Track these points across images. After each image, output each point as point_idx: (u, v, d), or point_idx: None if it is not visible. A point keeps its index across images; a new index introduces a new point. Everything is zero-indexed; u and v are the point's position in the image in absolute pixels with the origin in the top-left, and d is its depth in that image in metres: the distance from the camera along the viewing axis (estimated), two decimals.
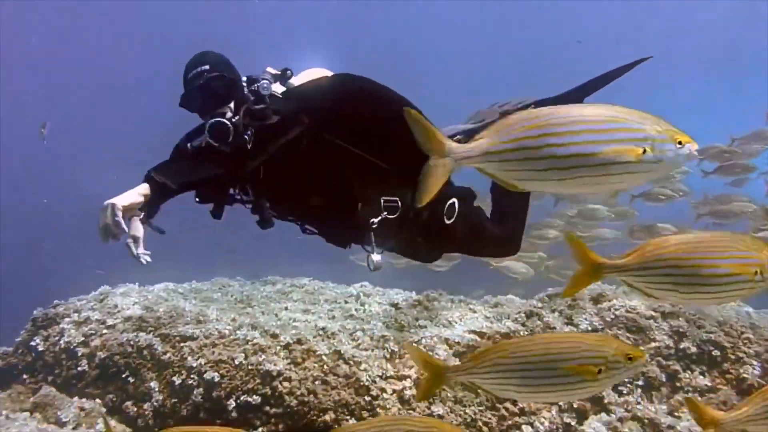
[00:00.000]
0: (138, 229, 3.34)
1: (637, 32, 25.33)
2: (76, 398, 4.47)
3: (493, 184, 4.37)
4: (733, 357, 4.90)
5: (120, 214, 2.92)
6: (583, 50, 21.60)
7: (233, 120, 3.31)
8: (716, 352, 4.91)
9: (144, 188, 3.09)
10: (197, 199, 3.56)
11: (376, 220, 3.56)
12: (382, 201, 3.60)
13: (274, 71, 3.59)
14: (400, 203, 3.62)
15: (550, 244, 8.80)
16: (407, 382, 4.85)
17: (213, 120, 3.29)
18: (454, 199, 3.81)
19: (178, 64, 3.47)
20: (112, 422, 4.41)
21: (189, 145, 3.40)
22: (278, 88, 3.57)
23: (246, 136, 3.29)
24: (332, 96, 3.53)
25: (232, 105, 3.38)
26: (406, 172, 3.58)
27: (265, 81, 3.47)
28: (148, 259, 3.21)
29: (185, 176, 3.24)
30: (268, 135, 3.35)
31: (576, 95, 4.38)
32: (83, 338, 5.25)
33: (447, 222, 3.78)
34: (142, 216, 3.43)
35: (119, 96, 25.71)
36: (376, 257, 3.66)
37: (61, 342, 5.28)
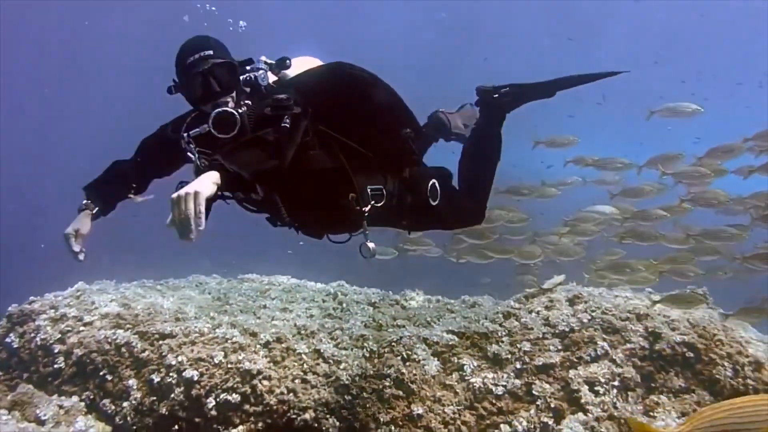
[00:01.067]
0: (86, 225, 3.38)
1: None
2: (54, 396, 4.43)
3: (461, 159, 4.48)
4: (706, 359, 4.99)
5: (203, 206, 2.73)
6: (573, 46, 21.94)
7: (239, 110, 3.28)
8: (690, 354, 5.00)
9: (215, 176, 2.93)
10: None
11: (366, 209, 3.59)
12: (369, 190, 3.64)
13: (269, 60, 3.57)
14: (384, 191, 3.66)
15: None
16: (387, 381, 4.87)
17: (220, 110, 3.23)
18: (434, 180, 3.90)
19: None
20: (90, 420, 4.37)
21: (186, 134, 3.30)
22: (271, 78, 3.57)
23: (285, 125, 3.21)
24: (328, 86, 3.54)
25: (234, 94, 3.33)
26: (387, 159, 3.66)
27: (261, 71, 3.47)
28: (81, 258, 3.25)
29: (254, 165, 3.14)
30: (294, 125, 3.27)
31: (550, 87, 4.55)
32: (60, 335, 5.20)
33: (433, 204, 3.88)
34: (95, 211, 3.47)
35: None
36: (370, 244, 3.70)
37: (37, 339, 5.22)
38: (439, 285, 7.41)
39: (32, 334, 5.29)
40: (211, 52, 3.32)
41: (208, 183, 2.84)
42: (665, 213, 6.84)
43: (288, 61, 3.59)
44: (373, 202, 3.61)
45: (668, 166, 7.03)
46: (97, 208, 3.52)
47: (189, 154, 3.38)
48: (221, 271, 7.74)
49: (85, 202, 3.52)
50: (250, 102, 3.37)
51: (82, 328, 5.22)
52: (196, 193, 2.71)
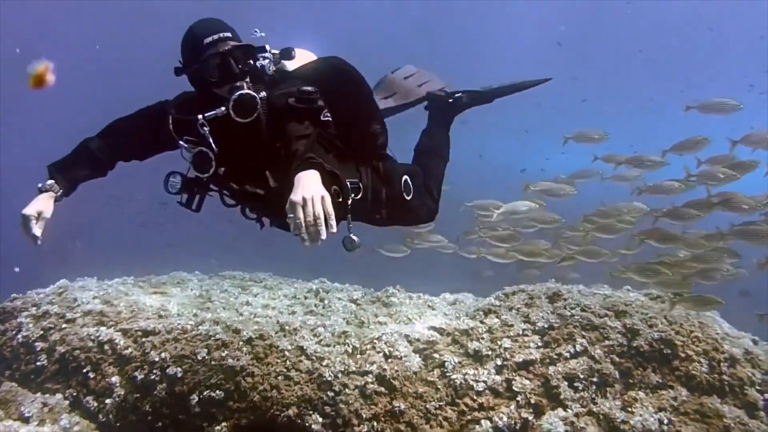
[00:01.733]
0: (49, 208, 3.32)
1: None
2: (38, 394, 4.43)
3: (415, 155, 4.58)
4: (682, 355, 5.08)
5: (331, 208, 2.73)
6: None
7: (260, 95, 3.30)
8: (667, 350, 5.08)
9: (318, 176, 2.88)
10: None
11: (349, 201, 3.64)
12: (348, 183, 3.68)
13: (274, 50, 3.58)
14: (360, 185, 3.72)
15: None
16: (369, 378, 4.92)
17: (242, 92, 3.24)
18: (406, 176, 4.02)
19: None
20: (75, 417, 4.38)
21: (201, 116, 3.29)
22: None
23: (327, 118, 3.32)
24: (327, 79, 3.58)
25: (248, 79, 3.34)
26: (362, 153, 3.72)
27: (267, 59, 3.49)
28: (39, 243, 3.20)
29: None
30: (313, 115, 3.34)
31: (489, 95, 4.74)
32: (42, 332, 5.19)
33: (407, 198, 4.00)
34: (58, 195, 3.42)
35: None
36: (354, 237, 3.73)
37: (19, 336, 5.20)
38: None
39: (14, 332, 5.27)
40: (229, 34, 3.34)
41: (319, 184, 2.81)
42: (698, 213, 6.65)
43: (293, 52, 3.61)
44: (352, 195, 3.67)
45: (694, 150, 7.04)
46: (61, 191, 3.43)
47: (177, 140, 3.41)
48: (202, 268, 7.74)
49: (49, 182, 3.41)
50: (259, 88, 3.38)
51: (64, 326, 5.21)
52: (322, 197, 2.70)
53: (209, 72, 3.29)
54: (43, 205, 3.32)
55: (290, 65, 3.72)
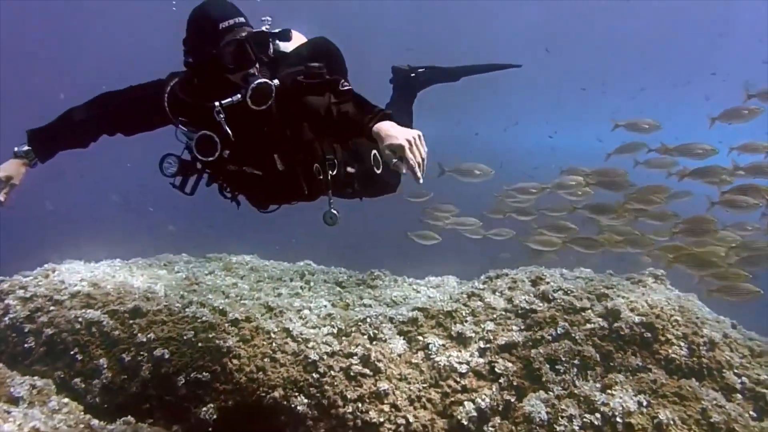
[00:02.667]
0: (20, 175, 3.33)
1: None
2: (27, 376, 4.45)
3: None
4: (662, 338, 5.15)
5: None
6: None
7: (274, 82, 3.36)
8: (647, 334, 5.15)
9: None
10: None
11: (329, 177, 3.74)
12: (326, 159, 3.77)
13: (273, 31, 3.61)
14: (335, 160, 3.79)
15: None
16: (354, 360, 4.98)
17: (260, 81, 3.30)
18: (374, 150, 4.11)
19: None
20: (63, 399, 4.41)
21: (219, 103, 3.34)
22: None
23: (346, 86, 3.36)
24: (323, 58, 3.70)
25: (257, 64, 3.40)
26: (337, 130, 3.78)
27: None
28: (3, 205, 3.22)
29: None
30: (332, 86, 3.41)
31: (458, 73, 4.85)
32: (29, 315, 5.20)
33: (377, 171, 4.13)
34: (33, 163, 3.42)
35: None
36: (335, 211, 3.84)
37: (6, 318, 5.21)
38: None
39: (1, 314, 5.26)
40: (243, 20, 3.37)
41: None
42: (756, 201, 6.65)
43: (290, 34, 3.64)
44: (329, 171, 3.75)
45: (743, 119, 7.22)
46: (36, 159, 3.45)
47: (174, 122, 3.52)
48: (188, 250, 7.75)
49: (25, 149, 3.41)
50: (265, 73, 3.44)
51: (52, 308, 5.22)
52: (420, 136, 2.86)
53: (227, 59, 3.31)
54: (14, 170, 3.32)
55: (286, 46, 3.76)
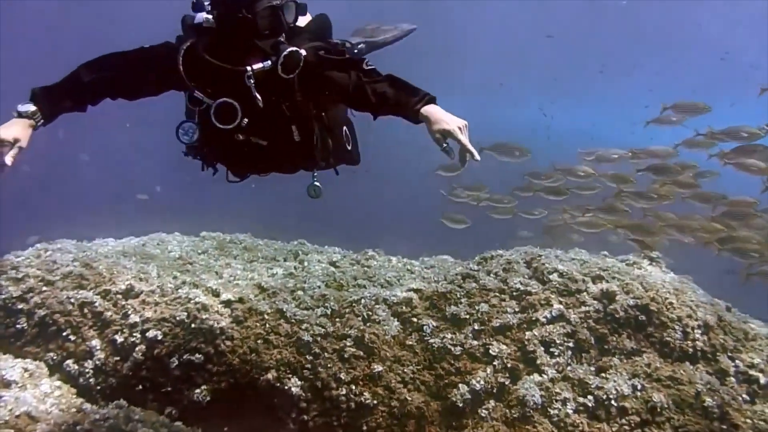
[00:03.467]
0: (26, 136, 3.16)
1: None
2: (19, 359, 4.43)
3: None
4: (657, 321, 5.15)
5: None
6: None
7: (302, 52, 3.39)
8: (642, 317, 5.14)
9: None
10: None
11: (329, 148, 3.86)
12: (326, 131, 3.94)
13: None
14: (314, 135, 3.85)
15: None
16: (348, 342, 4.96)
17: (292, 49, 3.34)
18: (345, 127, 4.22)
19: None
20: (55, 381, 4.39)
21: (250, 67, 3.33)
22: None
23: (371, 67, 3.48)
24: (330, 35, 3.92)
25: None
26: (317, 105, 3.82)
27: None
28: (6, 172, 3.06)
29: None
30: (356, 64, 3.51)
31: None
32: (21, 295, 5.14)
33: (348, 147, 4.23)
34: (40, 123, 3.30)
35: None
36: (318, 184, 3.98)
37: None
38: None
39: None
40: None
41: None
42: None
43: (306, 8, 3.64)
44: (330, 142, 3.87)
45: None
46: (42, 121, 3.29)
47: (189, 86, 3.45)
48: (181, 229, 7.70)
49: (32, 108, 3.25)
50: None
51: (44, 289, 5.17)
52: (467, 125, 3.10)
53: (262, 24, 3.30)
54: (21, 131, 3.15)
55: (299, 20, 3.78)
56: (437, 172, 8.22)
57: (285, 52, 3.29)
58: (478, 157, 3.05)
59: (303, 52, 3.39)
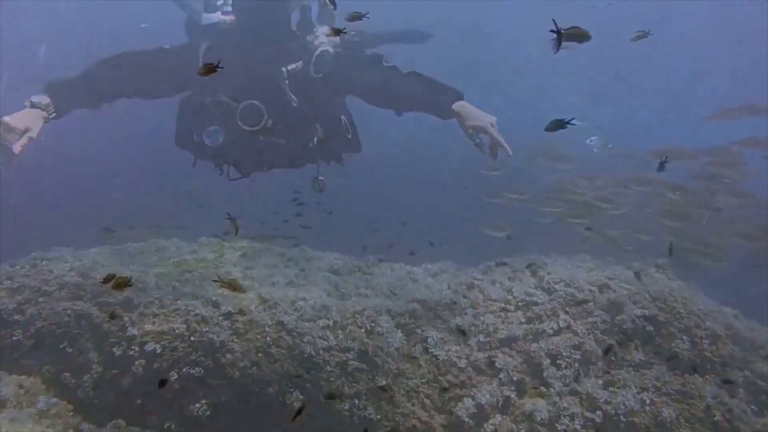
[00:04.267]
0: (37, 128, 3.11)
1: None
2: (14, 375, 4.33)
3: None
4: (665, 332, 5.07)
5: None
6: None
7: (329, 50, 3.46)
8: (650, 328, 5.07)
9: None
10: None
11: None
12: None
13: None
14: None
15: None
16: (350, 354, 4.87)
17: (324, 49, 3.41)
18: (343, 116, 4.20)
19: None
20: (52, 398, 4.30)
21: (285, 68, 3.39)
22: None
23: (390, 64, 3.59)
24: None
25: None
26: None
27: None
28: (12, 164, 2.99)
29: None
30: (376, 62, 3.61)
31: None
32: (17, 306, 5.05)
33: (348, 137, 4.24)
34: (52, 116, 3.22)
35: None
36: (322, 178, 3.99)
37: None
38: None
39: None
40: None
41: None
42: None
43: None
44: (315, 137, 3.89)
45: None
46: (54, 114, 3.24)
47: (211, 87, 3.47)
48: (180, 235, 7.59)
49: (46, 100, 3.19)
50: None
51: (40, 299, 5.07)
52: (495, 121, 3.19)
53: (293, 24, 3.43)
54: (32, 122, 3.08)
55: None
56: (482, 171, 8.06)
57: (317, 52, 3.34)
58: (510, 151, 3.13)
59: (331, 50, 3.37)
